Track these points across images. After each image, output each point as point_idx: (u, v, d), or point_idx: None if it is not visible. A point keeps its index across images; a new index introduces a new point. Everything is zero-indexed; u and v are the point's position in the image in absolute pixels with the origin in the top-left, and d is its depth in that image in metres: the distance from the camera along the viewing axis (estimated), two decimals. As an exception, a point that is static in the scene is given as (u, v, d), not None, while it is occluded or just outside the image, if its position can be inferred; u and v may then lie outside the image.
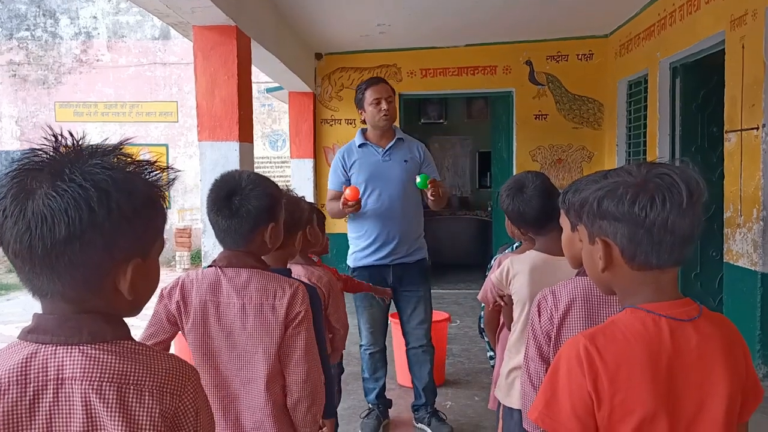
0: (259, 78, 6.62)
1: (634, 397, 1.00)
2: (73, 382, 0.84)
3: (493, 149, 7.81)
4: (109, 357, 0.86)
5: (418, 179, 3.10)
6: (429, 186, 3.07)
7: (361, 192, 3.19)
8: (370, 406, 3.42)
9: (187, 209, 10.70)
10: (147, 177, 0.90)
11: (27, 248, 0.82)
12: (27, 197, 0.82)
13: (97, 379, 0.85)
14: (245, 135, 4.01)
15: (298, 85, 6.59)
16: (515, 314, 2.00)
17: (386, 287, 3.26)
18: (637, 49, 5.64)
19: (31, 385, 0.85)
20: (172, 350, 1.70)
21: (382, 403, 3.43)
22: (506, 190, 2.03)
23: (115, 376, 0.85)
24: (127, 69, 10.74)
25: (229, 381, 1.62)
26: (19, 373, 0.85)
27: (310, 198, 6.59)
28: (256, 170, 1.78)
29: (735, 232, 3.98)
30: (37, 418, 0.85)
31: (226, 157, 3.88)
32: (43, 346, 0.86)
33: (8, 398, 0.84)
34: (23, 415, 0.84)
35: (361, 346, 3.38)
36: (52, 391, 0.85)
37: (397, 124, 3.45)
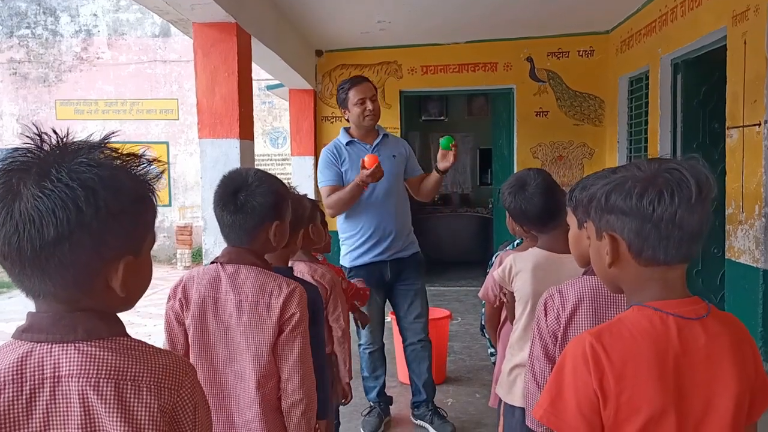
0: (259, 75, 6.61)
1: (640, 396, 0.99)
2: (70, 379, 0.84)
3: (494, 146, 7.79)
4: (106, 353, 0.86)
5: (441, 140, 3.16)
6: (452, 147, 3.15)
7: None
8: (371, 404, 3.42)
9: (188, 207, 10.69)
10: (134, 172, 0.89)
11: (16, 250, 0.82)
12: (14, 199, 0.81)
13: (95, 375, 0.84)
14: (246, 132, 4.01)
15: (299, 83, 6.58)
16: (517, 312, 2.00)
17: (384, 283, 3.27)
18: (638, 45, 5.62)
19: (28, 383, 0.84)
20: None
21: (383, 400, 3.43)
22: (508, 187, 2.02)
23: (112, 372, 0.85)
24: (127, 66, 10.73)
25: (224, 378, 1.62)
26: (15, 372, 0.84)
27: (311, 195, 6.58)
28: (256, 167, 1.78)
29: (737, 229, 3.97)
30: (34, 416, 0.84)
31: (226, 155, 3.87)
32: (39, 344, 0.86)
33: (4, 397, 0.84)
34: (20, 414, 0.84)
35: (360, 345, 3.37)
36: (48, 389, 0.84)
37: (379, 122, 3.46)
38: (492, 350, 2.59)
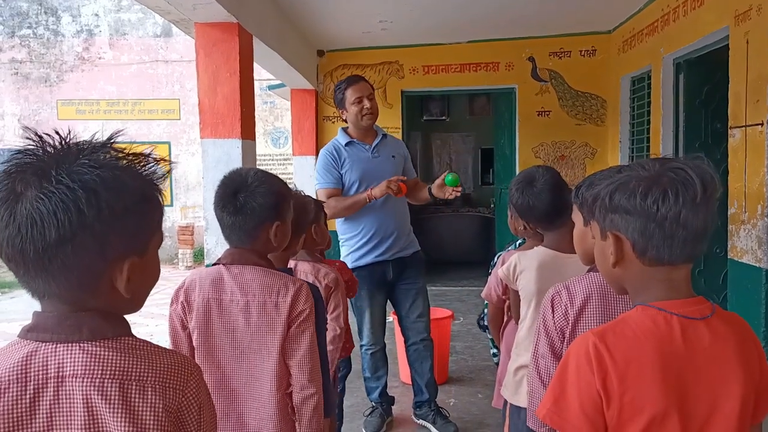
0: (261, 75, 6.61)
1: (643, 396, 0.98)
2: (74, 379, 0.84)
3: (496, 146, 7.79)
4: (111, 353, 0.86)
5: (449, 177, 3.11)
6: (457, 182, 3.11)
7: (354, 190, 3.19)
8: (373, 404, 3.41)
9: (190, 207, 10.71)
10: (139, 172, 0.88)
11: (19, 252, 0.82)
12: (16, 200, 0.81)
13: (99, 375, 0.84)
14: (247, 132, 4.00)
15: (300, 83, 6.58)
16: (522, 311, 1.98)
17: (386, 283, 3.27)
18: (641, 45, 5.61)
19: (32, 383, 0.84)
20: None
21: (385, 400, 3.42)
22: (516, 183, 2.01)
23: (117, 372, 0.85)
24: (129, 66, 10.74)
25: (232, 379, 1.61)
26: (19, 372, 0.84)
27: (312, 196, 6.58)
28: (257, 167, 1.77)
29: (739, 229, 3.96)
30: (37, 416, 0.84)
31: (228, 155, 3.87)
32: (43, 344, 0.86)
33: (8, 396, 0.83)
34: (23, 414, 0.84)
35: (361, 346, 3.36)
36: (52, 389, 0.84)
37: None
38: (495, 351, 2.58)
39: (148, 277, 0.93)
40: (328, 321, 2.40)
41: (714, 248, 4.56)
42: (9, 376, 0.84)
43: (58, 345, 0.85)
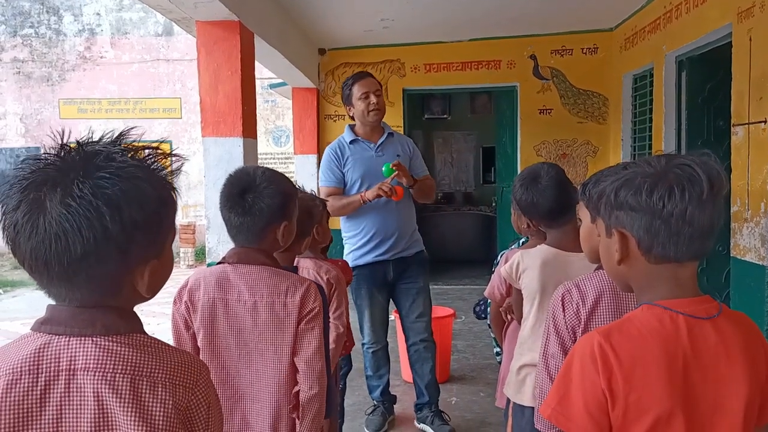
0: (262, 74, 6.61)
1: (649, 396, 0.97)
2: (86, 373, 0.84)
3: (498, 144, 7.78)
4: (124, 349, 0.86)
5: (383, 170, 3.07)
6: (394, 169, 3.03)
7: (356, 188, 3.17)
8: (375, 402, 3.40)
9: (191, 206, 10.71)
10: (155, 175, 0.89)
11: (43, 264, 0.83)
12: (38, 213, 0.82)
13: (111, 370, 0.84)
14: (249, 131, 4.00)
15: (302, 81, 6.58)
16: (525, 309, 1.97)
17: (387, 283, 3.25)
18: (643, 42, 5.60)
19: (43, 375, 0.84)
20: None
21: (387, 399, 3.41)
22: (520, 180, 1.99)
23: (128, 368, 0.85)
24: (130, 66, 10.75)
25: (237, 379, 1.60)
26: (31, 363, 0.84)
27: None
28: (263, 166, 1.75)
29: (742, 227, 3.95)
30: (47, 408, 0.84)
31: (229, 153, 3.87)
32: (56, 337, 0.86)
33: (19, 388, 0.84)
34: (34, 406, 0.84)
35: (363, 344, 3.35)
36: (63, 381, 0.84)
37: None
38: (498, 350, 2.57)
39: (165, 273, 0.95)
40: (330, 320, 2.39)
41: (717, 246, 4.55)
42: (21, 367, 0.84)
43: (71, 338, 0.86)
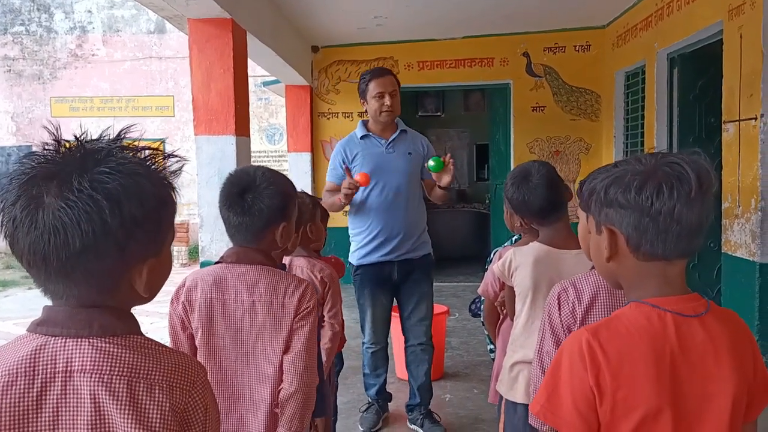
0: (255, 72, 6.60)
1: (636, 393, 0.98)
2: (82, 374, 0.84)
3: (491, 142, 7.79)
4: (120, 350, 0.86)
5: (431, 163, 2.96)
6: (445, 163, 2.94)
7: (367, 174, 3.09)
8: (370, 400, 3.40)
9: (185, 204, 10.66)
10: (156, 174, 0.89)
11: (41, 259, 0.82)
12: (37, 207, 0.81)
13: (108, 372, 0.84)
14: (242, 129, 3.99)
15: (295, 79, 6.57)
16: (517, 307, 1.98)
17: (391, 283, 3.21)
18: (635, 39, 5.62)
19: (39, 377, 0.84)
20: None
21: (382, 397, 3.40)
22: (512, 178, 1.99)
23: (125, 369, 0.85)
24: (122, 63, 10.70)
25: (235, 379, 1.60)
26: (27, 365, 0.84)
27: (308, 192, 6.56)
28: (263, 166, 1.74)
29: (733, 223, 3.98)
30: (44, 410, 0.84)
31: (222, 151, 3.86)
32: (53, 338, 0.86)
33: (15, 389, 0.83)
34: (30, 407, 0.83)
35: (363, 343, 3.33)
36: (60, 383, 0.84)
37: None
38: (491, 346, 2.58)
39: (164, 273, 0.94)
40: (325, 319, 2.39)
41: (708, 242, 4.58)
42: (17, 368, 0.84)
43: (68, 339, 0.85)
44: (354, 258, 3.24)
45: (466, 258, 8.24)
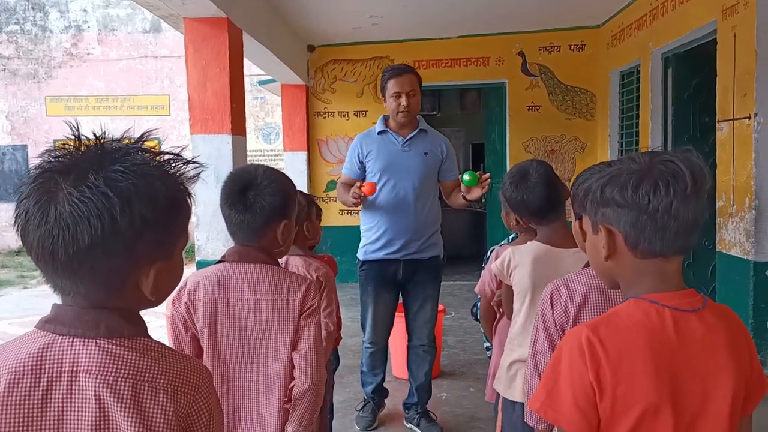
0: (251, 71, 6.59)
1: (636, 389, 0.99)
2: (88, 375, 0.84)
3: (487, 141, 7.80)
4: (126, 353, 0.86)
5: (466, 177, 2.88)
6: (480, 180, 2.87)
7: (377, 180, 3.09)
8: (366, 398, 3.40)
9: (180, 203, 10.66)
10: (171, 177, 0.89)
11: (49, 253, 0.82)
12: (49, 201, 0.81)
13: (113, 374, 0.84)
14: (238, 128, 3.99)
15: (291, 78, 6.56)
16: (516, 306, 1.98)
17: (396, 282, 3.19)
18: (629, 39, 5.64)
19: (45, 375, 0.84)
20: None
21: (379, 396, 3.40)
22: (510, 177, 1.99)
23: (131, 372, 0.85)
24: (118, 62, 10.67)
25: (241, 378, 1.61)
26: (34, 363, 0.84)
27: (304, 191, 6.56)
28: (264, 164, 1.75)
29: (727, 222, 4.00)
30: (49, 409, 0.84)
31: (218, 150, 3.86)
32: (60, 337, 0.86)
33: (21, 387, 0.83)
34: (35, 406, 0.83)
35: (363, 341, 3.32)
36: (65, 383, 0.84)
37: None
38: (488, 344, 2.59)
39: (173, 278, 0.94)
40: (321, 317, 2.40)
41: (703, 241, 4.60)
42: (24, 366, 0.84)
43: (75, 339, 0.85)
44: (361, 253, 3.22)
45: (463, 257, 8.25)
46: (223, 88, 3.85)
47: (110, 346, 0.85)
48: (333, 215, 6.75)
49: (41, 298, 6.60)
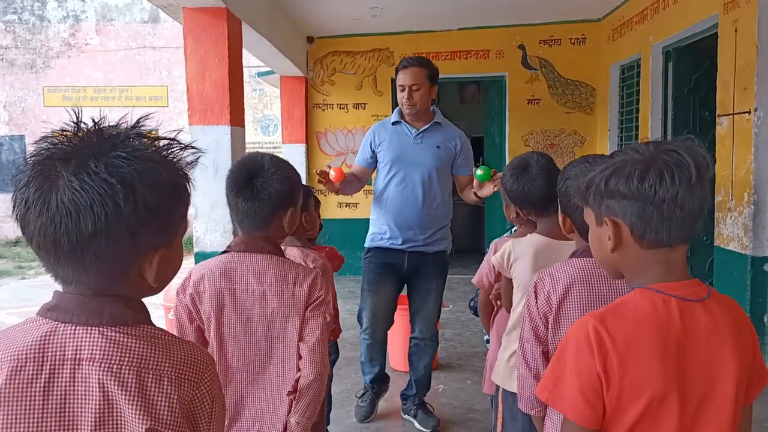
0: (250, 62, 6.56)
1: (643, 378, 0.99)
2: (91, 363, 0.83)
3: (486, 134, 7.79)
4: (130, 340, 0.85)
5: (479, 172, 2.83)
6: (492, 176, 2.81)
7: (386, 170, 3.07)
8: (365, 386, 3.39)
9: (179, 195, 10.65)
10: (172, 163, 0.88)
11: (52, 242, 0.81)
12: (50, 189, 0.80)
13: (117, 362, 0.83)
14: (236, 119, 3.98)
15: (290, 70, 6.54)
16: (516, 298, 1.98)
17: (400, 274, 3.17)
18: (630, 33, 5.62)
19: (48, 363, 0.83)
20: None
21: (378, 385, 3.39)
22: (510, 169, 1.99)
23: (135, 359, 0.84)
24: (116, 53, 10.62)
25: (247, 368, 1.61)
26: (36, 351, 0.83)
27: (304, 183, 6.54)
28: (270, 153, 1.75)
29: (726, 216, 4.00)
30: (51, 397, 0.83)
31: (217, 142, 3.85)
32: (63, 324, 0.85)
33: (24, 375, 0.83)
34: (38, 394, 0.83)
35: (360, 332, 3.30)
36: (68, 371, 0.83)
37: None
38: (487, 336, 2.59)
39: (175, 265, 0.93)
40: None
41: (701, 236, 4.61)
42: (27, 354, 0.83)
43: (78, 327, 0.84)
44: (368, 240, 3.21)
45: (461, 251, 8.23)
46: (221, 78, 3.83)
47: (114, 334, 0.85)
48: (331, 208, 6.75)
49: (39, 289, 6.59)
